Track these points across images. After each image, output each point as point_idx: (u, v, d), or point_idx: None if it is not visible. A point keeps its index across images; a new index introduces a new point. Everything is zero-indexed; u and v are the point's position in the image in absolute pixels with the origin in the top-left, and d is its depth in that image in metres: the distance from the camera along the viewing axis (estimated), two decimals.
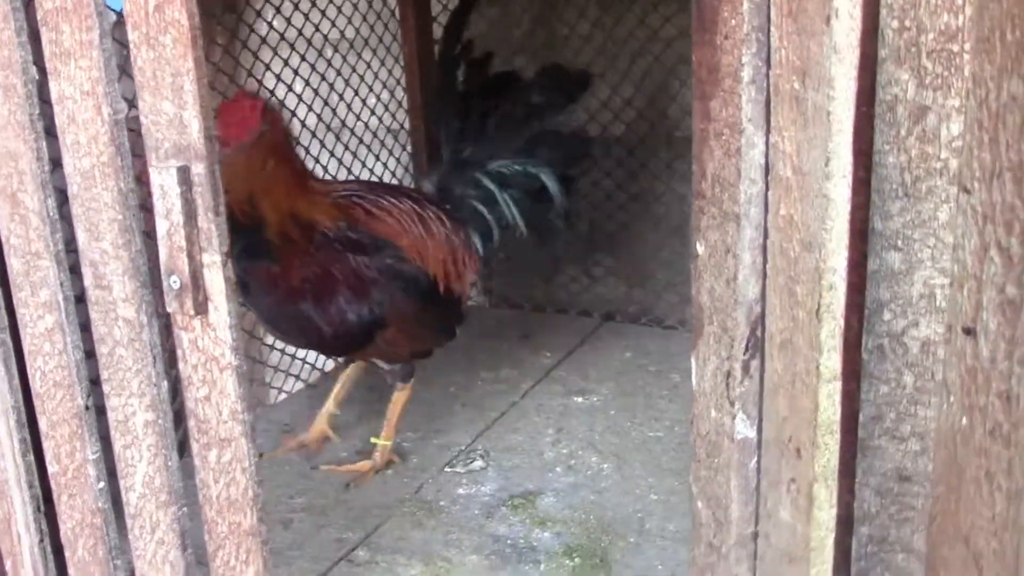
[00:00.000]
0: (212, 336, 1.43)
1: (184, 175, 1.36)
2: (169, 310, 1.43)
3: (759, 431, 1.00)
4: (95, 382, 1.60)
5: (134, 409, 1.55)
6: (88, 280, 1.52)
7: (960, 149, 0.94)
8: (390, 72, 2.99)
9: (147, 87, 1.36)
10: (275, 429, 2.47)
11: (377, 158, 3.00)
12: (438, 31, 2.99)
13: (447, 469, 2.22)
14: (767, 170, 0.92)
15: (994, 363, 0.83)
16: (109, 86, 1.40)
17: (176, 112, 1.35)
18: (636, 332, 2.94)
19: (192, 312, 1.40)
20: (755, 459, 1.01)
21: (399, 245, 2.16)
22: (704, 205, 1.00)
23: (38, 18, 1.41)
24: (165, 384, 1.53)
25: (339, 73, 2.87)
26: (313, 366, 2.84)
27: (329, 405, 2.40)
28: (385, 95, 2.98)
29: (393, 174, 3.04)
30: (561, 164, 2.39)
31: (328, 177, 2.80)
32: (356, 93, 2.92)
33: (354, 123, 2.93)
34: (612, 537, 1.93)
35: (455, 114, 2.35)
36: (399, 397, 2.27)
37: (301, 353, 2.85)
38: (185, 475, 1.56)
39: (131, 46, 1.35)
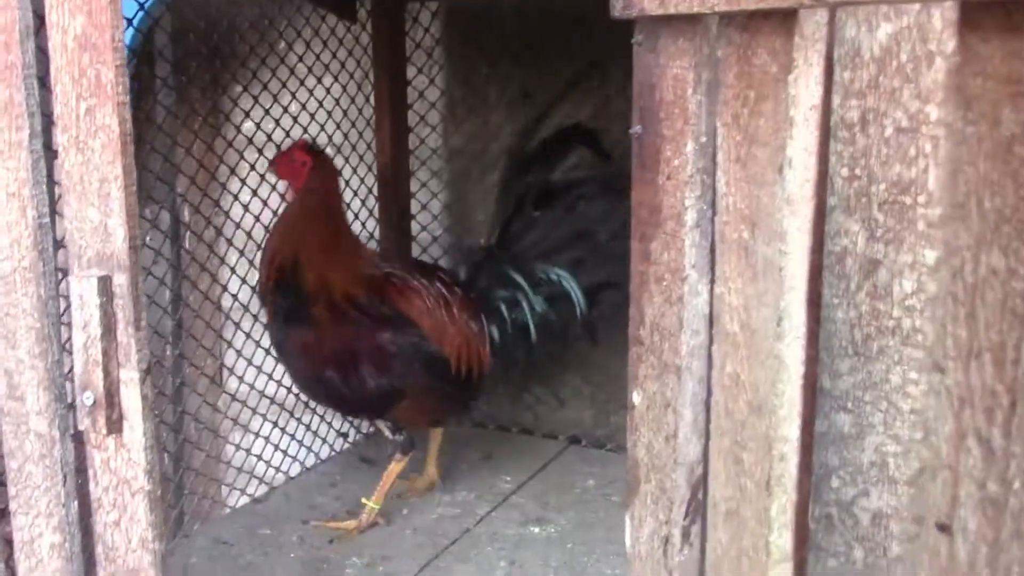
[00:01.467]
0: (126, 457, 1.34)
1: (105, 285, 1.28)
2: (81, 427, 1.34)
3: None
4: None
5: (40, 530, 1.45)
6: (1, 389, 1.43)
7: (913, 308, 0.87)
8: (362, 180, 2.95)
9: (73, 192, 1.29)
10: (214, 547, 2.34)
11: None
12: (413, 141, 2.97)
13: None
14: (711, 321, 0.85)
15: (973, 568, 0.74)
16: (36, 188, 1.34)
17: (101, 219, 1.28)
18: (601, 458, 2.83)
19: (105, 431, 1.31)
20: None
21: (422, 326, 2.35)
22: (642, 352, 0.92)
23: None
24: (75, 505, 1.43)
25: None
26: (261, 479, 2.72)
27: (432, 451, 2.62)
28: (356, 203, 2.93)
29: None
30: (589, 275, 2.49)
31: None
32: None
33: None
34: None
35: (510, 209, 2.51)
36: (394, 467, 2.43)
37: (249, 466, 2.74)
38: None
39: (59, 149, 1.29)
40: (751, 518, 0.83)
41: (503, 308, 2.45)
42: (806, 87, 0.72)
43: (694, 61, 0.81)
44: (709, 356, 0.86)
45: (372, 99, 2.90)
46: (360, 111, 2.91)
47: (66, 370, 1.41)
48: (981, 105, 0.71)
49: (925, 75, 0.82)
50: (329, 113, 2.84)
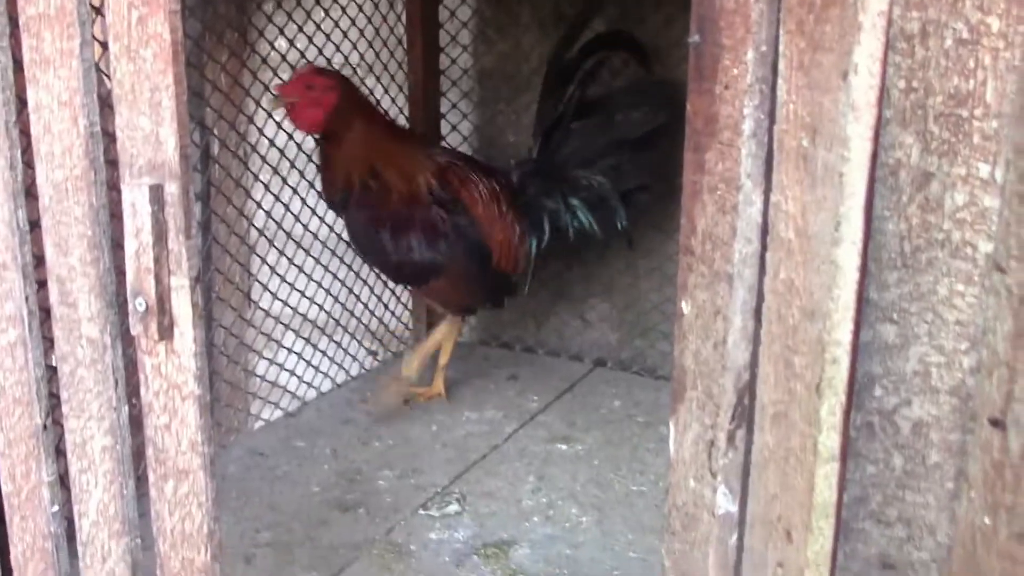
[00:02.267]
0: (176, 363, 1.37)
1: (157, 194, 1.30)
2: (133, 333, 1.37)
3: (742, 507, 0.93)
4: (56, 398, 1.55)
5: (92, 433, 1.49)
6: (54, 296, 1.46)
7: (964, 221, 0.88)
8: (393, 100, 2.94)
9: (124, 100, 1.31)
10: (250, 457, 2.40)
11: None
12: (444, 61, 2.95)
13: (421, 511, 2.14)
14: (765, 230, 0.86)
15: None
16: (87, 97, 1.35)
17: (153, 128, 1.30)
18: (627, 380, 2.87)
19: (157, 337, 1.34)
20: (735, 536, 0.95)
21: (474, 213, 2.52)
22: (692, 262, 0.94)
23: (20, 23, 1.37)
24: (125, 409, 1.47)
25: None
26: (293, 394, 2.77)
27: (442, 361, 2.72)
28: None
29: None
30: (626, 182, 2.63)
31: (314, 204, 2.77)
32: None
33: None
34: None
35: (551, 120, 2.60)
36: (445, 327, 2.68)
37: (282, 380, 2.79)
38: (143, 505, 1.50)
39: (111, 57, 1.30)
40: (800, 420, 0.85)
41: (545, 216, 2.58)
42: None
43: None
44: (761, 264, 0.88)
45: (404, 17, 2.88)
46: (392, 30, 2.89)
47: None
48: None
49: None
50: (361, 31, 2.83)
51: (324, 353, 2.83)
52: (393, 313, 3.07)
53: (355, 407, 2.67)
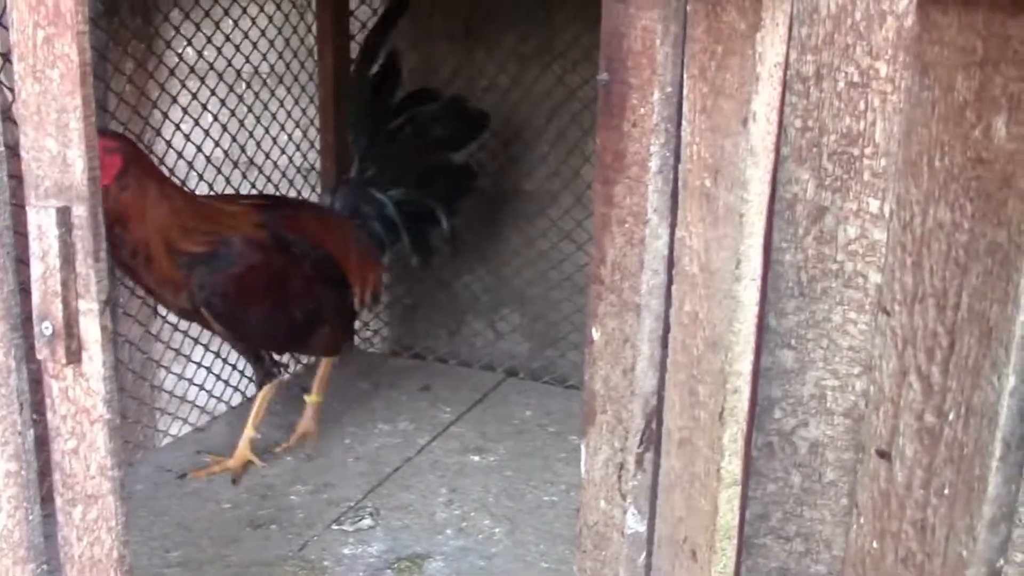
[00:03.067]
0: (84, 387, 1.35)
1: (64, 216, 1.29)
2: (40, 357, 1.35)
3: (650, 527, 0.97)
4: None
5: None
6: None
7: (856, 253, 0.93)
8: (303, 111, 2.93)
9: (30, 121, 1.29)
10: (158, 474, 2.36)
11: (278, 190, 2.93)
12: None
13: (334, 526, 2.14)
14: (671, 263, 0.90)
15: (909, 490, 0.82)
16: None
17: (60, 150, 1.28)
18: (539, 390, 2.91)
19: (64, 361, 1.32)
20: (644, 555, 0.98)
21: (327, 248, 2.40)
22: (602, 291, 0.97)
23: None
24: (31, 434, 1.44)
25: (250, 109, 2.80)
26: (202, 409, 2.74)
27: (249, 430, 2.42)
28: (297, 134, 2.92)
29: None
30: (448, 198, 2.64)
31: None
32: (267, 130, 2.85)
33: (263, 161, 2.86)
34: None
35: (364, 132, 2.54)
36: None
37: (191, 395, 2.75)
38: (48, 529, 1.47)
39: (16, 77, 1.28)
40: (704, 446, 0.89)
41: (381, 231, 2.54)
42: (772, 45, 0.77)
43: (663, 14, 0.85)
44: (667, 295, 0.92)
45: (314, 28, 2.87)
46: (302, 40, 2.88)
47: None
48: (937, 71, 0.77)
49: (877, 33, 0.87)
50: (271, 42, 2.81)
51: (232, 365, 2.80)
52: None
53: (266, 422, 2.64)
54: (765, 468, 1.00)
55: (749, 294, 0.83)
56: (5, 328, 1.40)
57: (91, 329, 1.33)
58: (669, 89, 0.87)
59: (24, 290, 1.41)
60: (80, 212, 1.29)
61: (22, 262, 1.39)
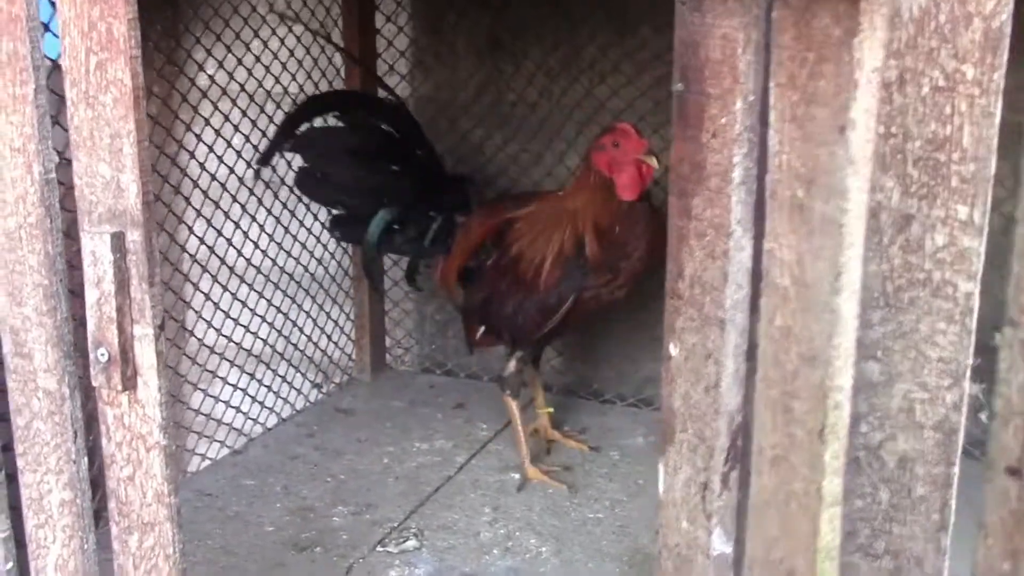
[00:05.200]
0: (140, 413, 1.34)
1: (119, 242, 1.28)
2: (95, 384, 1.33)
3: (737, 548, 0.95)
4: (6, 449, 1.50)
5: (50, 487, 1.44)
6: (7, 347, 1.41)
7: (944, 261, 0.91)
8: None
9: (83, 147, 1.28)
10: (198, 498, 2.34)
11: (315, 217, 2.92)
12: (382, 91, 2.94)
13: (379, 548, 2.12)
14: (756, 275, 0.88)
15: None
16: (42, 143, 1.32)
17: (113, 175, 1.27)
18: (574, 405, 2.88)
19: (120, 387, 1.31)
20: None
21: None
22: (680, 306, 0.95)
23: None
24: (85, 462, 1.43)
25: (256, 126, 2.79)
26: (239, 431, 2.72)
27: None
28: None
29: (310, 231, 2.95)
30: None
31: (252, 233, 2.74)
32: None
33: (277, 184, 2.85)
34: None
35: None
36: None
37: (227, 417, 2.74)
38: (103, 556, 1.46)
39: (68, 103, 1.27)
40: (802, 464, 0.87)
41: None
42: (870, 50, 0.75)
43: (744, 22, 0.83)
44: (751, 309, 0.90)
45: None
46: (330, 60, 2.87)
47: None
48: None
49: (963, 35, 0.85)
50: (300, 62, 2.81)
51: (268, 387, 2.79)
52: (336, 343, 3.04)
53: (302, 442, 2.64)
54: (852, 484, 0.97)
55: (849, 307, 0.81)
56: (59, 356, 1.38)
57: (146, 354, 1.31)
58: (752, 98, 0.85)
59: (73, 318, 1.40)
60: (135, 237, 1.28)
61: (73, 292, 1.38)
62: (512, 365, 2.42)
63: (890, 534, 0.97)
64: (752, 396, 0.90)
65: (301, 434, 2.68)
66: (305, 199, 2.90)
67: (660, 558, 1.04)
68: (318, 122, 2.55)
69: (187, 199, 2.64)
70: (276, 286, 2.84)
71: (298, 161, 2.54)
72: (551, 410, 2.64)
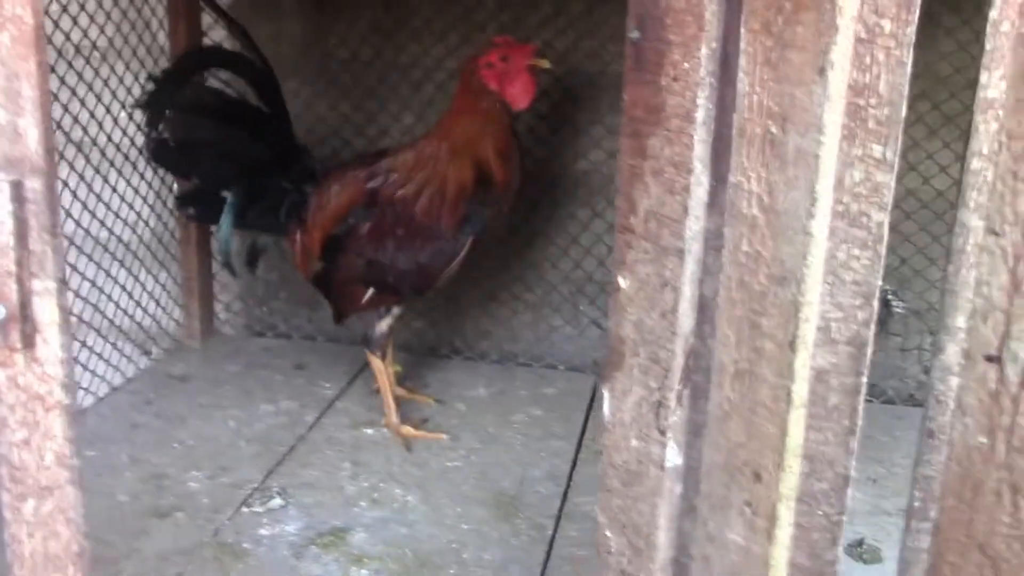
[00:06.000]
0: (38, 372, 1.28)
1: (17, 191, 1.21)
2: None
3: (688, 459, 1.03)
4: None
5: None
6: None
7: (860, 195, 1.02)
8: (143, 87, 2.79)
9: None
10: None
11: (143, 178, 2.80)
12: (205, 44, 2.84)
13: (244, 509, 2.09)
14: (714, 208, 0.96)
15: (1022, 387, 0.91)
16: None
17: (10, 119, 1.20)
18: (412, 362, 2.92)
19: (19, 345, 1.24)
20: (681, 486, 1.05)
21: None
22: (632, 240, 1.02)
23: None
24: None
25: (89, 86, 2.64)
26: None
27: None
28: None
29: (137, 191, 2.83)
30: None
31: (65, 196, 2.57)
32: (108, 108, 2.70)
33: (105, 141, 2.71)
34: (432, 570, 1.90)
35: None
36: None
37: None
38: None
39: None
40: (770, 374, 0.96)
41: None
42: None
43: None
44: (711, 238, 0.98)
45: (164, 2, 2.74)
46: (153, 12, 2.74)
47: None
48: None
49: None
50: (124, 13, 2.66)
51: (98, 354, 2.65)
52: (163, 308, 2.93)
53: (140, 410, 2.54)
54: None
55: (822, 230, 0.91)
56: None
57: (47, 310, 1.25)
58: (715, 45, 0.93)
59: None
60: (35, 185, 1.21)
61: None
62: (385, 324, 2.42)
63: (808, 440, 1.09)
64: (715, 319, 0.99)
65: (138, 402, 2.58)
66: (134, 162, 2.77)
67: (604, 477, 1.12)
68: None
69: None
70: (105, 249, 2.70)
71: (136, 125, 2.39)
72: (399, 368, 2.67)
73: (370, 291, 2.39)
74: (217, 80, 2.48)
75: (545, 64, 2.23)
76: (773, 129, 0.90)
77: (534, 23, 2.75)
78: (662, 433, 1.03)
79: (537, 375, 2.89)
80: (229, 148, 2.38)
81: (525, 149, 2.46)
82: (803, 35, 0.87)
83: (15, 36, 1.16)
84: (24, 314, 1.24)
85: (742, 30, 0.90)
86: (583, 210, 2.88)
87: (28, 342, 1.25)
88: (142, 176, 2.83)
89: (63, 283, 1.25)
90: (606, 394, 1.09)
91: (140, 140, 2.78)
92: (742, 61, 0.91)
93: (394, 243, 2.30)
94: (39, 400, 1.29)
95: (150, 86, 2.31)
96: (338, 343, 3.04)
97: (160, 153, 2.35)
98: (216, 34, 2.84)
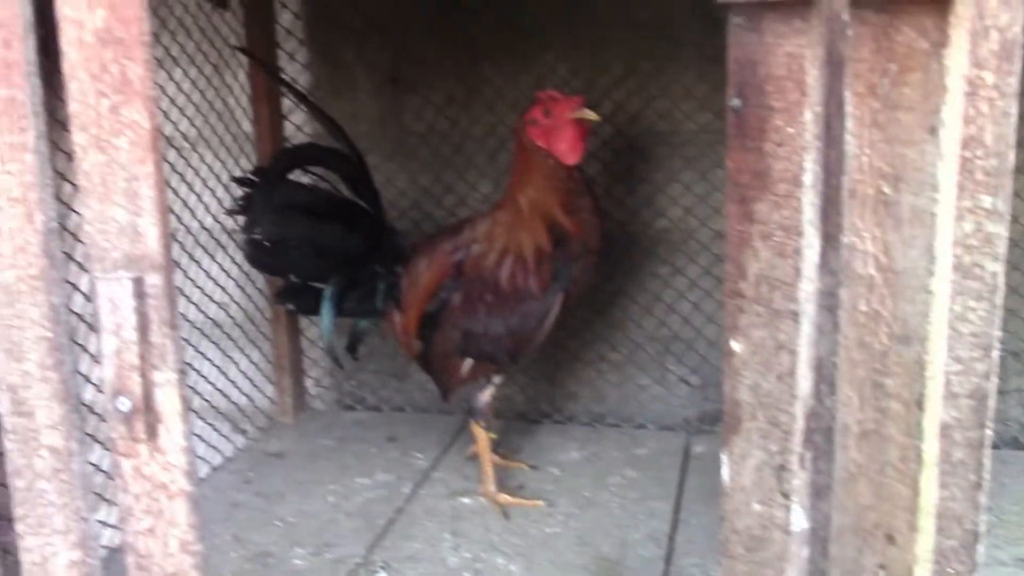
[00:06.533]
0: (162, 461, 1.32)
1: (138, 287, 1.26)
2: (113, 436, 1.30)
3: (815, 522, 1.02)
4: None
5: (55, 549, 1.39)
6: (4, 406, 1.36)
7: (972, 247, 1.01)
8: (231, 175, 2.89)
9: (94, 193, 1.25)
10: None
11: (212, 258, 2.88)
12: (288, 128, 2.93)
13: None
14: (828, 270, 0.97)
15: None
16: (43, 192, 1.29)
17: (130, 219, 1.25)
18: (503, 428, 2.93)
19: (144, 436, 1.28)
20: (808, 550, 1.04)
21: None
22: (743, 304, 1.02)
23: None
24: (94, 519, 1.38)
25: (181, 175, 2.74)
26: None
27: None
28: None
29: (227, 273, 2.91)
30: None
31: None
32: (199, 195, 2.79)
33: (197, 227, 2.80)
34: None
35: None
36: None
37: None
38: None
39: (77, 149, 1.24)
40: (898, 433, 0.95)
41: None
42: (959, 59, 0.85)
43: (810, 40, 0.92)
44: (824, 299, 0.98)
45: (246, 88, 2.84)
46: (237, 100, 2.85)
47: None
48: None
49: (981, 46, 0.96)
50: (212, 104, 2.76)
51: (197, 435, 2.71)
52: (256, 386, 2.99)
53: (240, 489, 2.58)
54: None
55: (943, 288, 0.91)
56: (65, 410, 1.34)
57: (168, 400, 1.29)
58: (818, 109, 0.94)
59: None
60: (155, 281, 1.26)
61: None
62: (487, 394, 2.43)
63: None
64: (835, 380, 0.98)
65: (237, 481, 2.63)
66: (224, 244, 2.86)
67: (727, 543, 1.11)
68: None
69: None
70: (199, 331, 2.78)
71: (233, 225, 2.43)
72: (495, 435, 2.68)
73: (468, 362, 2.40)
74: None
75: (591, 116, 2.18)
76: (886, 189, 0.91)
77: (605, 85, 2.79)
78: (786, 496, 1.02)
79: (628, 436, 2.87)
80: (325, 244, 2.40)
81: (603, 210, 2.46)
82: (911, 96, 0.88)
83: (133, 140, 1.22)
84: (147, 405, 1.28)
85: (846, 93, 0.91)
86: (664, 267, 2.89)
87: (151, 432, 1.29)
88: (232, 257, 2.91)
89: (183, 373, 1.30)
90: (724, 459, 1.09)
91: (228, 223, 2.87)
92: (849, 124, 0.91)
93: (485, 311, 2.31)
94: (163, 488, 1.32)
95: (244, 189, 2.35)
96: (428, 413, 3.06)
97: (256, 255, 2.37)
98: (296, 117, 2.94)
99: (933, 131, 0.87)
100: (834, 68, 0.91)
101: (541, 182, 2.25)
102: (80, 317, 2.39)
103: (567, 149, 2.21)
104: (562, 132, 2.20)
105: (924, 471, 0.95)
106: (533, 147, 2.24)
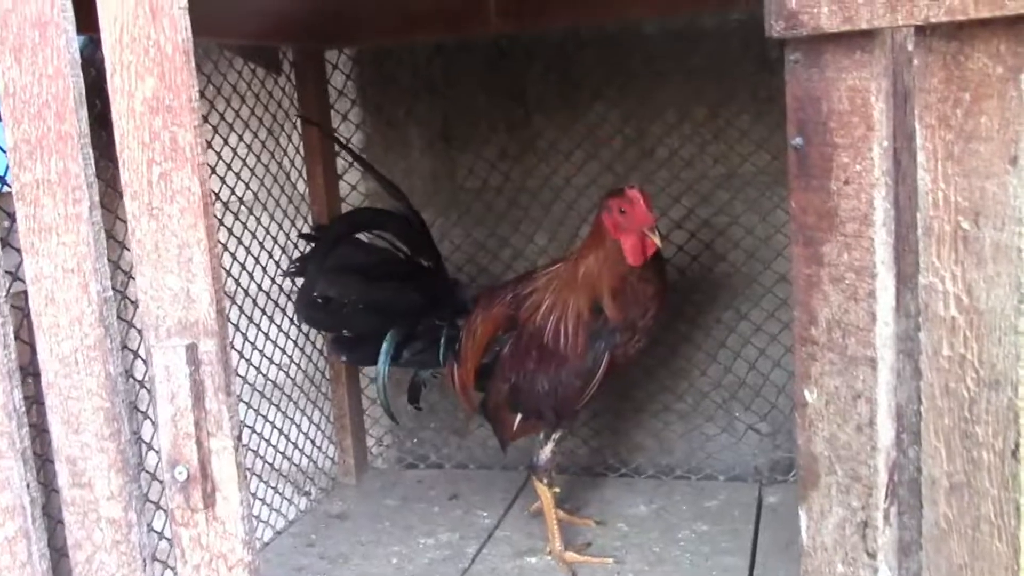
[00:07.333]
0: (220, 531, 1.29)
1: (192, 353, 1.24)
2: (171, 505, 1.28)
3: None
4: None
5: None
6: (63, 478, 1.34)
7: None
8: (300, 232, 2.90)
9: (147, 260, 1.25)
10: None
11: (272, 320, 2.88)
12: (343, 188, 2.94)
13: None
14: (903, 312, 0.91)
15: None
16: (99, 261, 1.28)
17: (183, 286, 1.24)
18: (567, 483, 2.86)
19: (201, 505, 1.26)
20: None
21: None
22: (815, 351, 0.97)
23: (14, 192, 1.28)
24: None
25: (239, 239, 2.76)
26: None
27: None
28: (296, 254, 2.88)
29: (287, 334, 2.90)
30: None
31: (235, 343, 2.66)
32: (256, 259, 2.80)
33: (255, 290, 2.81)
34: None
35: None
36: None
37: None
38: None
39: (129, 217, 1.24)
40: (991, 486, 0.89)
41: None
42: None
43: (874, 72, 0.87)
44: (902, 343, 0.92)
45: (300, 149, 2.86)
46: (292, 162, 2.87)
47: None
48: None
49: None
50: (267, 167, 2.79)
51: (260, 499, 2.69)
52: (319, 447, 2.97)
53: (304, 552, 2.55)
54: None
55: None
56: (123, 481, 1.32)
57: (225, 468, 1.27)
58: (886, 143, 0.89)
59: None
60: (209, 347, 1.24)
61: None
62: (548, 450, 2.39)
63: None
64: (919, 430, 0.92)
65: (300, 544, 2.60)
66: (283, 307, 2.86)
67: None
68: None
69: None
70: (260, 394, 2.77)
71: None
72: (558, 490, 2.62)
73: (517, 417, 2.37)
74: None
75: (656, 240, 2.15)
76: (965, 225, 0.86)
77: (658, 132, 2.76)
78: (871, 556, 0.96)
79: (696, 488, 2.79)
80: (380, 303, 2.41)
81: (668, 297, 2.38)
82: (987, 125, 0.83)
83: (184, 207, 1.22)
84: (204, 473, 1.26)
85: (916, 125, 0.86)
86: (727, 312, 2.82)
87: (209, 501, 1.27)
88: (291, 319, 2.91)
89: (239, 439, 1.28)
90: (803, 516, 1.03)
91: (286, 285, 2.88)
92: (920, 157, 0.87)
93: (532, 365, 2.30)
94: (222, 558, 1.30)
95: (301, 253, 2.37)
96: (490, 469, 3.01)
97: (311, 315, 2.39)
98: (351, 176, 2.95)
99: (1014, 161, 0.82)
100: (901, 100, 0.87)
101: (601, 259, 2.24)
102: (142, 384, 2.41)
103: (629, 251, 2.20)
104: (629, 236, 2.19)
105: (1023, 526, 0.88)
106: (604, 229, 2.23)
